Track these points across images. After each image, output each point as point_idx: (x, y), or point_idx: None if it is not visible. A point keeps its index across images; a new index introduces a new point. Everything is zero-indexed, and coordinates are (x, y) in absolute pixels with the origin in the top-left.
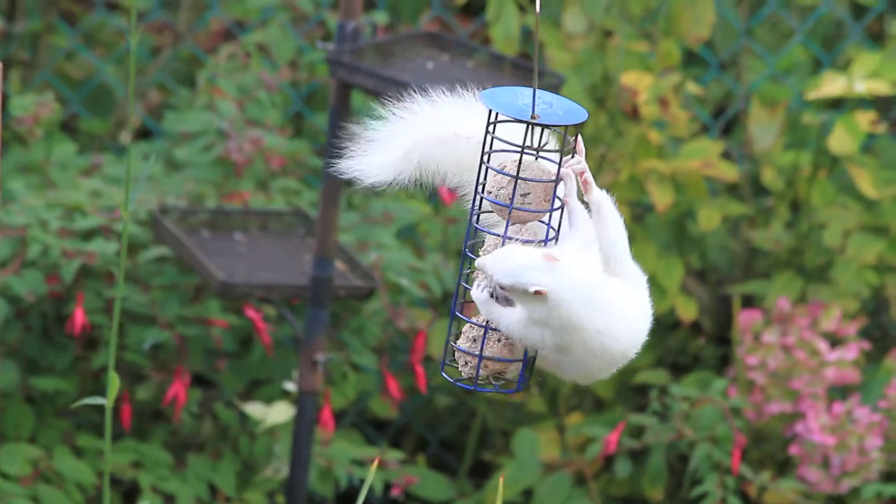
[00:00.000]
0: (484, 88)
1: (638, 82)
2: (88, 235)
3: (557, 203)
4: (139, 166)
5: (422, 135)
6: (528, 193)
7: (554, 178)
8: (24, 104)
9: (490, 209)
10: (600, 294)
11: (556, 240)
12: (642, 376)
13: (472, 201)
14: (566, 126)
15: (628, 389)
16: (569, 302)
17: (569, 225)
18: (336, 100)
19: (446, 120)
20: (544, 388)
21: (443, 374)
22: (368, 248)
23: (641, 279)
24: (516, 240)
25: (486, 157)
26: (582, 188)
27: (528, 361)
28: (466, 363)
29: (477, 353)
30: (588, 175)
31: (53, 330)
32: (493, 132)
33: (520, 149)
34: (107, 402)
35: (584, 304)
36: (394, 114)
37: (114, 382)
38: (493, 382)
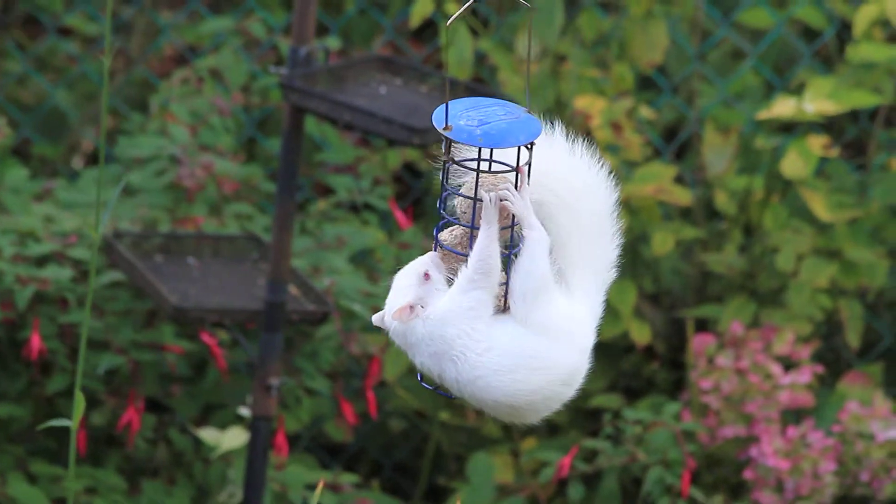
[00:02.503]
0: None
1: (591, 106)
2: (42, 261)
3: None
4: (94, 191)
5: None
6: (466, 212)
7: (483, 195)
8: None
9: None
10: (452, 347)
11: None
12: (596, 400)
13: (439, 203)
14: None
15: (582, 414)
16: (416, 354)
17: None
18: (289, 124)
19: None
20: None
21: (422, 383)
22: (322, 273)
23: (557, 327)
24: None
25: (446, 170)
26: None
27: None
28: None
29: None
30: (513, 206)
31: (6, 356)
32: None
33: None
34: (72, 423)
35: (433, 355)
36: None
37: (80, 403)
38: None
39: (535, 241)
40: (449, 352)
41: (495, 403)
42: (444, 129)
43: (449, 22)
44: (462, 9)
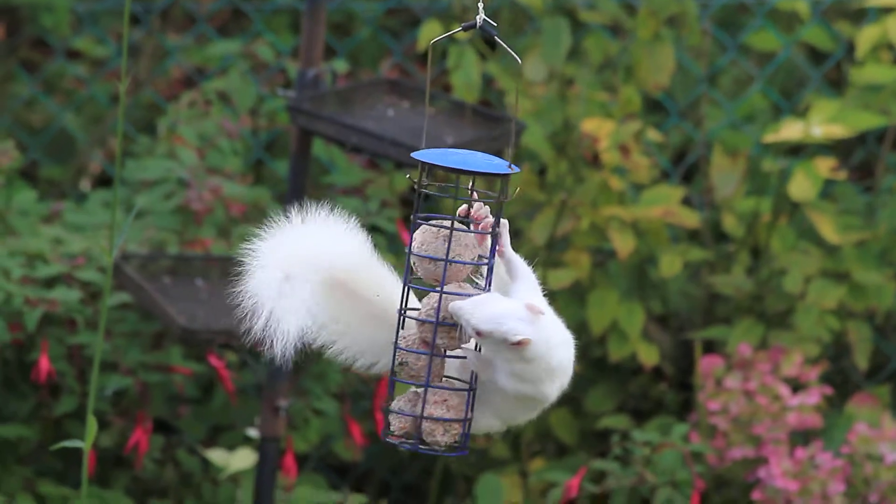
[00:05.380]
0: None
1: (599, 129)
2: (50, 283)
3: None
4: (101, 213)
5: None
6: (459, 255)
7: (481, 230)
8: None
9: (419, 275)
10: (562, 332)
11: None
12: (604, 421)
13: (405, 266)
14: (495, 176)
15: (590, 435)
16: (546, 350)
17: (510, 274)
18: (297, 147)
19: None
20: (507, 435)
21: (387, 439)
22: None
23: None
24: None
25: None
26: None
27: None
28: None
29: (417, 413)
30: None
31: (15, 377)
32: (423, 191)
33: (453, 195)
34: (83, 444)
35: (557, 345)
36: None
37: (92, 426)
38: (438, 445)
39: (518, 257)
40: (558, 337)
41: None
42: (510, 168)
43: (432, 41)
44: (449, 33)
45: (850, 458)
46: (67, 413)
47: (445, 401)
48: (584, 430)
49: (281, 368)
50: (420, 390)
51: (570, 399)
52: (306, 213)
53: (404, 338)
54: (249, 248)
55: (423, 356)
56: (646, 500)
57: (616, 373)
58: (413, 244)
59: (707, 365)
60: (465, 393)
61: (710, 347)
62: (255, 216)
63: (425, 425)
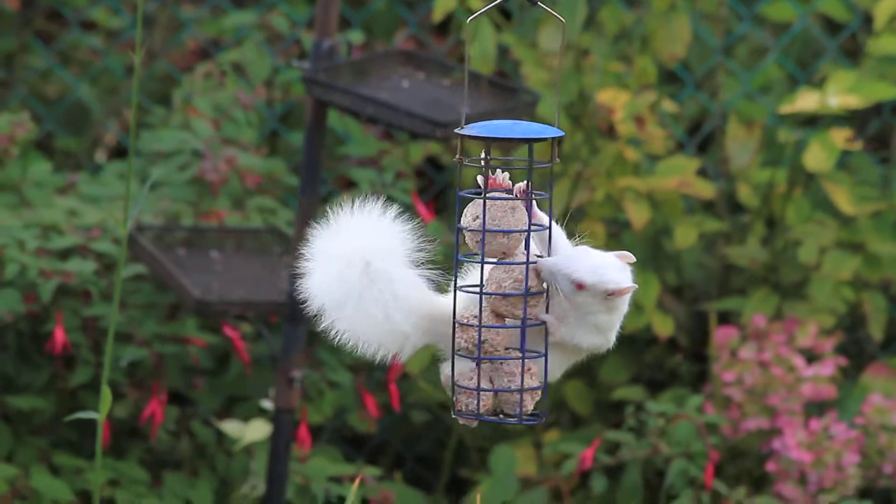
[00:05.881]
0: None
1: (614, 100)
2: (65, 255)
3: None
4: (116, 185)
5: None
6: (525, 224)
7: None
8: (0, 124)
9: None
10: None
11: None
12: (619, 393)
13: (455, 242)
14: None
15: (605, 406)
16: (628, 298)
17: (540, 242)
18: (312, 118)
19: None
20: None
21: (466, 417)
22: None
23: None
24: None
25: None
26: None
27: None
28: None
29: (509, 388)
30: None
31: (30, 348)
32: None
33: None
34: (97, 415)
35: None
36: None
37: (106, 397)
38: (527, 415)
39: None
40: None
41: None
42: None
43: (470, 19)
44: (485, 8)
45: (864, 428)
46: (82, 384)
47: (529, 369)
48: (598, 401)
49: (296, 340)
50: (489, 365)
51: (585, 370)
52: (357, 205)
53: (473, 316)
54: (315, 240)
55: (502, 330)
56: (660, 471)
57: (630, 344)
58: (485, 219)
59: (722, 336)
60: (540, 360)
61: (725, 318)
62: (270, 187)
63: (523, 397)
